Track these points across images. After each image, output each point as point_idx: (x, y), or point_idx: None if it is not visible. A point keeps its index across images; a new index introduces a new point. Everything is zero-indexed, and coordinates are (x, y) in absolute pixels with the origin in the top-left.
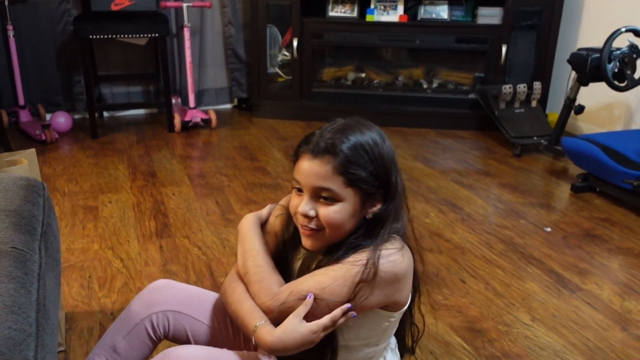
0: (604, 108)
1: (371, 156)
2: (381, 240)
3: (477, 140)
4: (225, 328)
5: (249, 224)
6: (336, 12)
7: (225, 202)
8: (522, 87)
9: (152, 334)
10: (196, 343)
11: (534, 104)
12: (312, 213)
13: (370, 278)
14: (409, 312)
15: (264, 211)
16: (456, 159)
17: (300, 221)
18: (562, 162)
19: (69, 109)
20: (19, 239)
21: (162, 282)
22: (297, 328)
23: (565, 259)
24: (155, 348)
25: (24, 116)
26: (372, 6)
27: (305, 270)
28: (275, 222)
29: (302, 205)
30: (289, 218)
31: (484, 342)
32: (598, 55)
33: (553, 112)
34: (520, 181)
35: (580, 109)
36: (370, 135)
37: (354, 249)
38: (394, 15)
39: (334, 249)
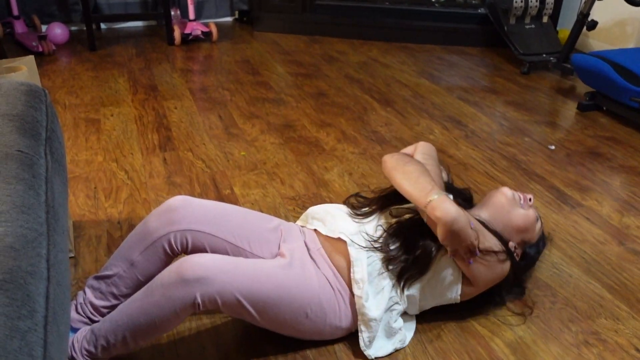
0: (616, 24)
1: (540, 248)
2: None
3: (484, 57)
4: (247, 244)
5: (433, 147)
6: None
7: (228, 117)
8: (534, 2)
9: (169, 251)
10: None
11: (545, 19)
12: (531, 202)
13: (500, 258)
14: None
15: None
16: (462, 76)
17: (524, 198)
18: (570, 80)
19: (65, 19)
20: (24, 143)
21: (179, 200)
22: (467, 223)
23: (567, 176)
24: (172, 261)
25: (19, 27)
26: None
27: None
28: (442, 171)
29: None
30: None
31: None
32: None
33: (564, 28)
34: (527, 99)
35: (593, 25)
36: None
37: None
38: None
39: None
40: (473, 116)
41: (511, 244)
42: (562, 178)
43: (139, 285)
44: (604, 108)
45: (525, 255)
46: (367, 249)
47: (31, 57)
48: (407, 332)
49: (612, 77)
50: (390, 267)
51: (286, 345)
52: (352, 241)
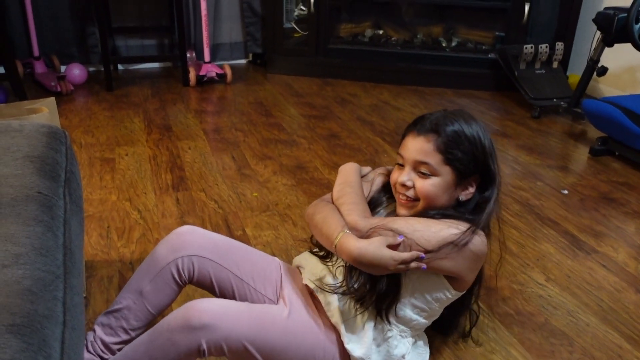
0: (627, 70)
1: (472, 141)
2: (481, 222)
3: (495, 101)
4: (251, 278)
5: (353, 167)
6: None
7: (241, 157)
8: (544, 47)
9: (177, 278)
10: (220, 289)
11: (555, 65)
12: (409, 183)
13: (461, 245)
14: (468, 297)
15: (365, 168)
16: None
17: (399, 190)
18: (581, 125)
19: (83, 60)
20: (44, 185)
21: (187, 228)
22: (380, 248)
23: (581, 222)
24: (181, 292)
25: (39, 67)
26: None
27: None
28: (376, 177)
29: (402, 176)
30: (388, 183)
31: (497, 299)
32: (625, 14)
33: (574, 73)
34: (538, 143)
35: (603, 71)
36: (473, 125)
37: (447, 217)
38: None
39: (426, 215)
40: None
41: (461, 198)
42: (575, 223)
43: (148, 317)
44: (616, 153)
45: (483, 182)
46: (334, 292)
47: (52, 99)
48: None
49: (624, 123)
50: (364, 307)
51: None
52: (318, 287)
